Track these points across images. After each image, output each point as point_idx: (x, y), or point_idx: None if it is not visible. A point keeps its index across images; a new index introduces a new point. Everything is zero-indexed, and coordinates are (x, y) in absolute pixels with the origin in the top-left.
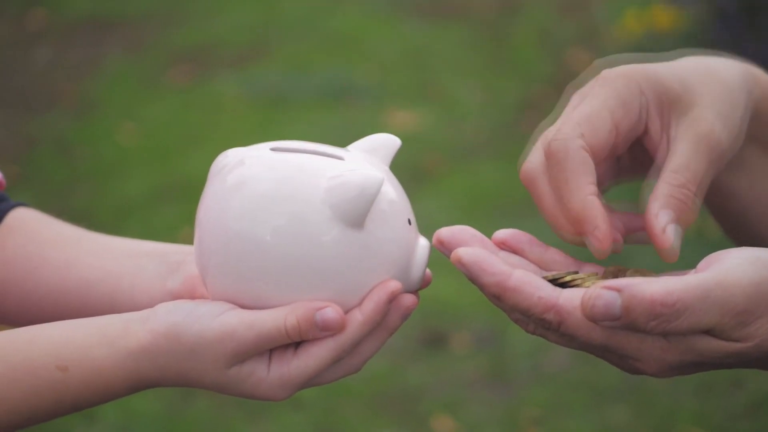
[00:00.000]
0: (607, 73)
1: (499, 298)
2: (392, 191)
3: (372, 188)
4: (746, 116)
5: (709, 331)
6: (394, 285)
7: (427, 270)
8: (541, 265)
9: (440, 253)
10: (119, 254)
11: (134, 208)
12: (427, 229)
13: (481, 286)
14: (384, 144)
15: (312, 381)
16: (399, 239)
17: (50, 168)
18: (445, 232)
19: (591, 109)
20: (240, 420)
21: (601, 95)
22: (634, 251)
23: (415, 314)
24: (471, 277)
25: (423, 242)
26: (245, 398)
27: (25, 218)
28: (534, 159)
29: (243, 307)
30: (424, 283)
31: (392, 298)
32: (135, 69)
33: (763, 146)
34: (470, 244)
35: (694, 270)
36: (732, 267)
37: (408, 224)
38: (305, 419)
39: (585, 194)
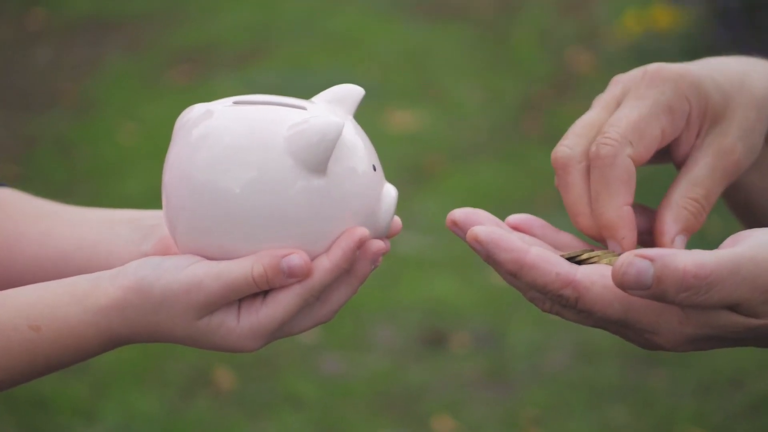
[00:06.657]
0: (655, 74)
1: (515, 275)
2: (355, 138)
3: (332, 133)
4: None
5: (734, 307)
6: (362, 231)
7: (396, 217)
8: (554, 249)
9: (437, 255)
10: (94, 223)
11: (134, 207)
12: (427, 229)
13: (498, 264)
14: (348, 94)
15: (283, 330)
16: (363, 186)
17: (50, 168)
18: (458, 213)
19: (640, 115)
20: (240, 420)
21: (650, 99)
22: None
23: (415, 314)
24: (487, 254)
25: (390, 189)
26: (217, 350)
27: (4, 197)
28: (572, 146)
29: (212, 260)
30: (393, 230)
31: (360, 245)
32: (135, 69)
33: None
34: (484, 225)
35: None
36: (764, 243)
37: (373, 171)
38: (305, 419)
39: (622, 203)
